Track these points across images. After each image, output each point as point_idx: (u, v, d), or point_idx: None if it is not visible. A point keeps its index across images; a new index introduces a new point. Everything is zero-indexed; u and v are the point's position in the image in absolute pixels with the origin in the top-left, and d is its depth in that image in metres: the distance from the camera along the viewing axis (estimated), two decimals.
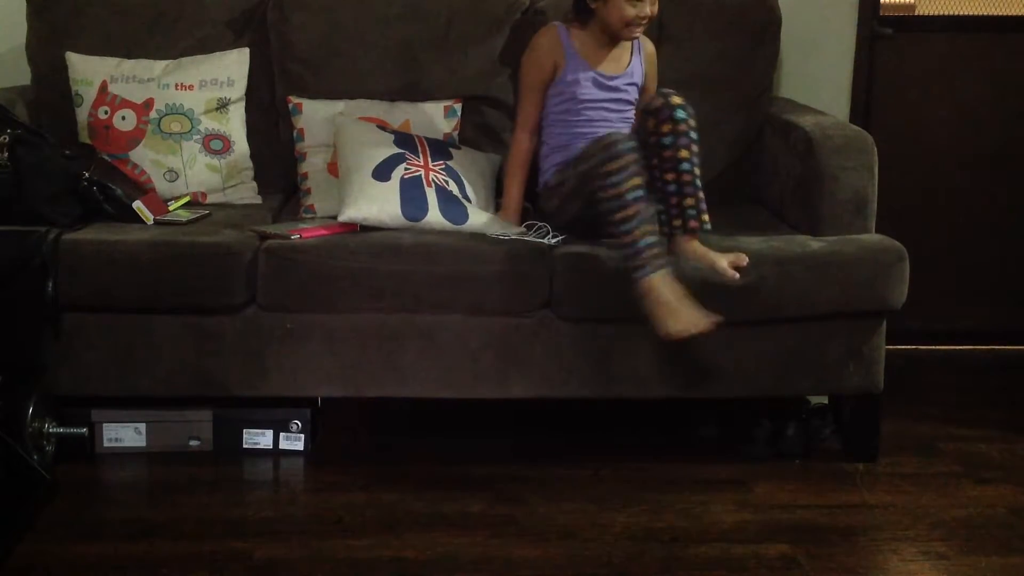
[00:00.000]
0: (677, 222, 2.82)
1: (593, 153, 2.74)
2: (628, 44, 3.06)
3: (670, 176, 2.80)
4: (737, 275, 2.75)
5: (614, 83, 3.03)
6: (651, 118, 2.80)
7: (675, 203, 2.81)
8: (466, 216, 2.91)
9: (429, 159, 3.01)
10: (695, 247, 2.81)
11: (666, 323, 2.62)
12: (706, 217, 2.81)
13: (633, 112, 3.05)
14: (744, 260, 2.76)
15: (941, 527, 2.64)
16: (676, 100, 2.78)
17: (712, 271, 2.76)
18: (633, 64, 3.07)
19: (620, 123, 3.04)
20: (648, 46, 3.14)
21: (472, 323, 2.81)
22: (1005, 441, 3.11)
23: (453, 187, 2.97)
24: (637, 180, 2.66)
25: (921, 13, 3.77)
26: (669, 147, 2.79)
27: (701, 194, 2.80)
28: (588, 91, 3.00)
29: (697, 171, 2.80)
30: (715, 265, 2.76)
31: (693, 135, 2.80)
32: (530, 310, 2.80)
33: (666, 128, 2.78)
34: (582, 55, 3.01)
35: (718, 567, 2.44)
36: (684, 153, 2.78)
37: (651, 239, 2.65)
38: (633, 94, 3.07)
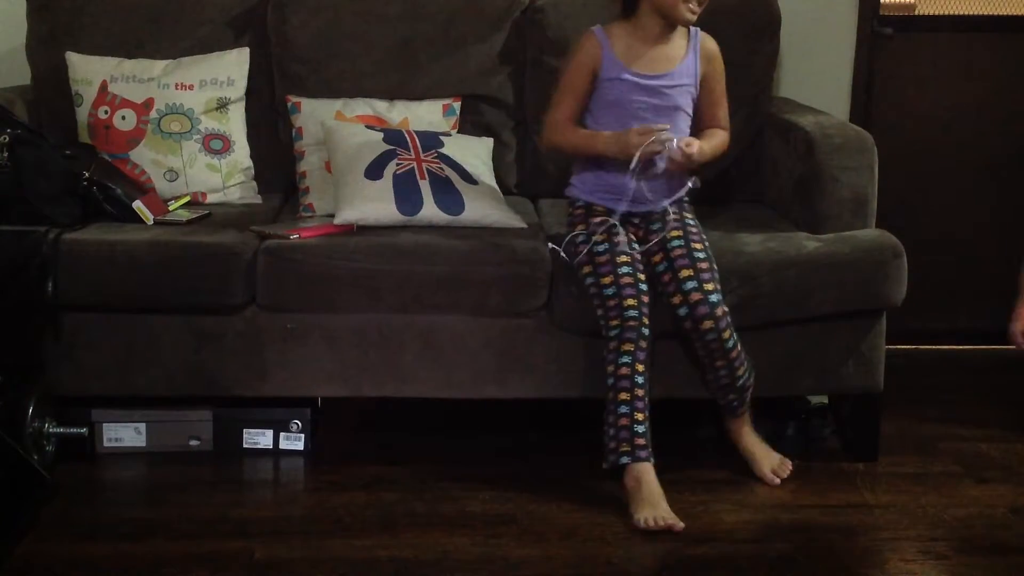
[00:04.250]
0: (724, 402, 2.83)
1: (610, 308, 2.67)
2: (683, 41, 2.80)
3: (720, 363, 2.74)
4: (777, 480, 2.80)
5: (654, 83, 2.77)
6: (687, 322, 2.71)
7: (724, 385, 2.77)
8: (462, 206, 2.91)
9: (420, 151, 3.00)
10: (746, 431, 2.86)
11: (641, 511, 2.58)
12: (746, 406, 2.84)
13: (686, 123, 2.82)
14: (788, 469, 2.83)
15: (941, 527, 2.64)
16: (707, 325, 2.66)
17: (750, 460, 2.84)
18: (687, 63, 2.80)
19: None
20: (709, 44, 2.84)
21: (472, 324, 2.80)
22: (1005, 441, 3.11)
23: (450, 173, 2.97)
24: (642, 367, 2.65)
25: (921, 13, 3.77)
26: (711, 351, 2.73)
27: (743, 384, 2.78)
28: (622, 92, 2.76)
29: (740, 369, 2.75)
30: (755, 462, 2.83)
31: (730, 344, 2.70)
32: (530, 312, 2.80)
33: (699, 344, 2.73)
34: (620, 56, 2.76)
35: (718, 567, 2.44)
36: (724, 361, 2.73)
37: (644, 427, 2.64)
38: (681, 99, 2.80)
